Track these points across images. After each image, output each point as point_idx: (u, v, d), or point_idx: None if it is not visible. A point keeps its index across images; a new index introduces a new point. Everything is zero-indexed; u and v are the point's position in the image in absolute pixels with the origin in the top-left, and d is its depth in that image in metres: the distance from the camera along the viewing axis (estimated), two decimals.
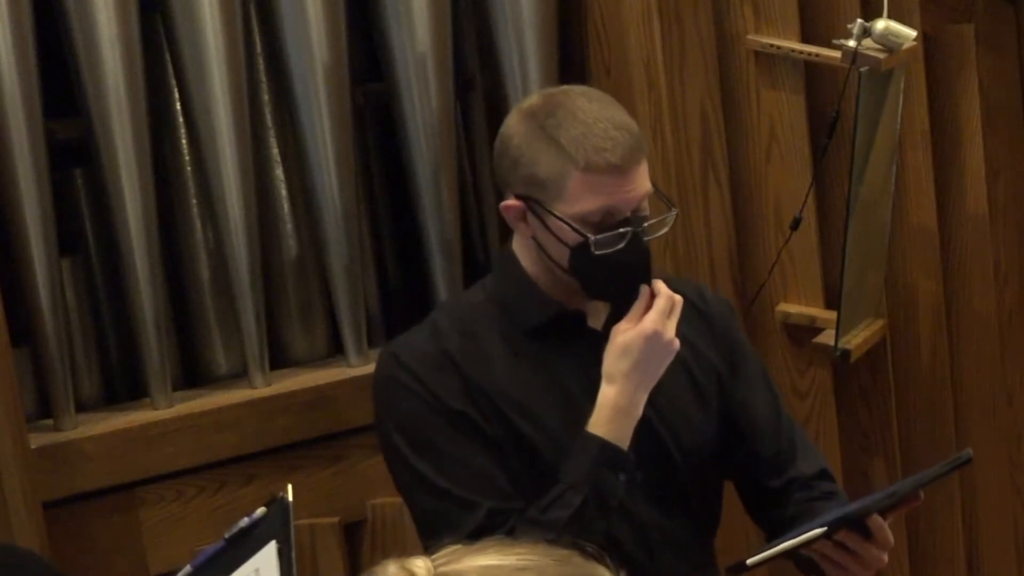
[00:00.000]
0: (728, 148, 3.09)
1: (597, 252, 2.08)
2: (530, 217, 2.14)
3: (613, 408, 2.09)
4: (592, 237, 2.08)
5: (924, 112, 3.25)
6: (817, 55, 3.02)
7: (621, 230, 2.08)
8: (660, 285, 2.14)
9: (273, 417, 2.74)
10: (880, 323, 3.24)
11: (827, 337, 3.10)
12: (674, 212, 2.21)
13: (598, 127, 2.08)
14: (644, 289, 2.12)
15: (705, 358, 2.29)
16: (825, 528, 2.06)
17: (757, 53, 3.06)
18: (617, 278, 2.12)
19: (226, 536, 1.94)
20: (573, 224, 2.09)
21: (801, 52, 3.03)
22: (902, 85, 3.09)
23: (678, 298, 2.14)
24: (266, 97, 2.85)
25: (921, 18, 3.17)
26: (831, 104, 3.01)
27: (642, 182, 2.11)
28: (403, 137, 2.85)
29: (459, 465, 2.13)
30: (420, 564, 1.18)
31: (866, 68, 2.88)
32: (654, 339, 2.09)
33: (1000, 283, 3.45)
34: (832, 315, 3.07)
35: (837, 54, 2.93)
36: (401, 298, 3.06)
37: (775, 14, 3.04)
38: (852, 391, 3.27)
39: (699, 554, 2.31)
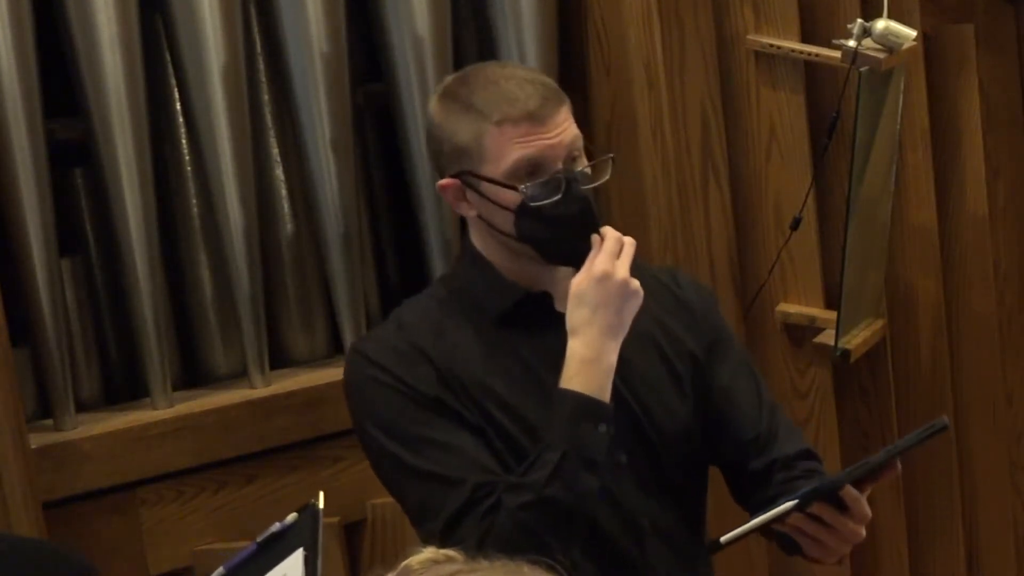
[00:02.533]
0: (728, 148, 3.09)
1: (532, 204, 2.07)
2: (468, 193, 2.13)
3: (580, 360, 2.06)
4: (524, 187, 2.07)
5: (924, 112, 3.25)
6: (817, 55, 3.02)
7: (553, 177, 2.08)
8: (607, 229, 2.12)
9: (273, 417, 2.74)
10: (880, 323, 3.24)
11: (827, 337, 3.10)
12: (609, 156, 2.20)
13: (509, 84, 2.09)
14: (595, 239, 2.10)
15: (680, 341, 2.27)
16: (797, 501, 2.05)
17: (757, 53, 3.06)
18: (565, 233, 2.10)
19: (258, 540, 1.95)
20: (503, 181, 2.08)
21: (801, 52, 3.03)
22: (902, 85, 3.09)
23: (628, 239, 2.11)
24: (266, 97, 2.85)
25: (921, 18, 3.18)
26: (831, 104, 3.01)
27: (565, 130, 2.09)
28: (403, 137, 2.85)
29: (440, 447, 2.11)
30: None
31: (866, 68, 2.88)
32: (605, 280, 2.07)
33: (1000, 283, 3.46)
34: (832, 315, 3.07)
35: (837, 54, 2.93)
36: (401, 298, 3.04)
37: (775, 14, 3.05)
38: (852, 391, 3.27)
39: (689, 547, 2.29)
